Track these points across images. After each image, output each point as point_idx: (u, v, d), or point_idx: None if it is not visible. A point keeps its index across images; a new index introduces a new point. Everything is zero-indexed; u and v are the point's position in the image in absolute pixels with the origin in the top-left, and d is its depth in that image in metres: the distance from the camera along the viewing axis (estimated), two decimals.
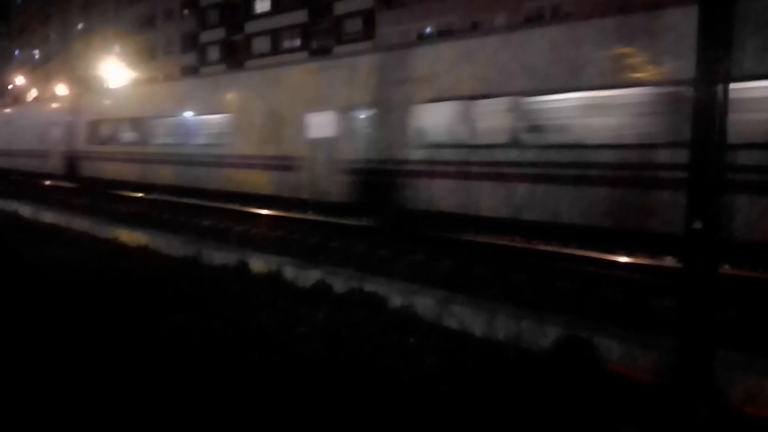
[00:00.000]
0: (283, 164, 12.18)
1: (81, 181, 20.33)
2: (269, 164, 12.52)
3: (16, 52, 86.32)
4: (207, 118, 14.75)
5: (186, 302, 5.83)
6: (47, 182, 24.36)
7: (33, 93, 67.79)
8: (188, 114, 15.32)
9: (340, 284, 6.47)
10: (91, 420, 3.45)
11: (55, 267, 7.52)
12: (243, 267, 7.61)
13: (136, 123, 17.16)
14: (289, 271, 7.07)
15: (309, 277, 6.79)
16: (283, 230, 11.55)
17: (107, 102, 19.66)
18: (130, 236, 9.99)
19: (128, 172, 17.43)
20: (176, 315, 5.40)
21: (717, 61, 3.66)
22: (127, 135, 17.90)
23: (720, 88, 3.65)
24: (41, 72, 71.59)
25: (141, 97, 18.10)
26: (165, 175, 15.89)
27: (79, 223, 11.70)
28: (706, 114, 3.73)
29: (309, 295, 6.35)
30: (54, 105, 23.51)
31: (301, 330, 5.10)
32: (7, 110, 30.23)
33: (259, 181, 12.79)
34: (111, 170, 18.32)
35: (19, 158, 25.24)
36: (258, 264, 7.54)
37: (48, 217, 13.08)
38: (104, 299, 5.98)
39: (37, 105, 27.30)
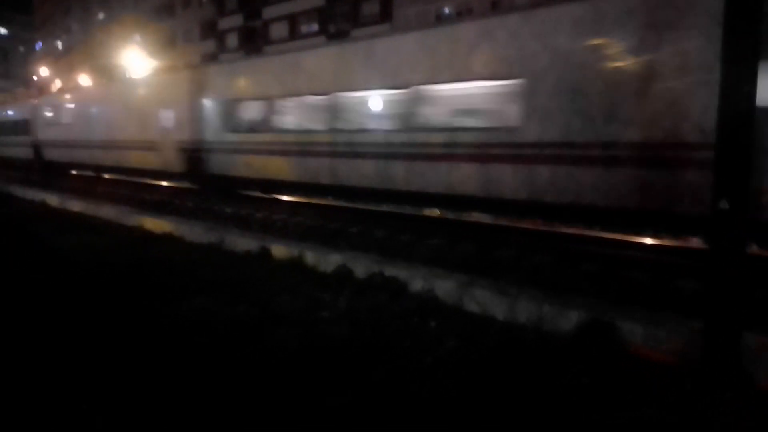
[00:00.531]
0: (665, 156, 7.10)
1: (209, 180, 15.24)
2: (625, 156, 7.43)
3: (39, 43, 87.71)
4: (456, 89, 9.61)
5: (209, 287, 5.93)
6: (156, 182, 19.03)
7: (57, 83, 68.86)
8: (421, 84, 9.95)
9: (361, 269, 6.49)
10: (126, 388, 3.56)
11: (81, 253, 7.71)
12: (265, 252, 7.69)
13: (321, 102, 11.92)
14: (311, 257, 7.12)
15: (330, 262, 6.83)
16: (303, 216, 11.62)
17: (260, 76, 13.90)
18: (154, 224, 10.15)
19: (292, 168, 12.37)
20: (199, 298, 5.51)
21: (744, 40, 3.55)
22: (295, 119, 13.01)
23: (747, 65, 3.54)
24: (64, 62, 72.63)
25: (331, 65, 11.87)
26: (365, 173, 10.85)
27: (106, 212, 11.93)
28: (732, 92, 3.63)
29: (330, 279, 6.39)
30: (160, 83, 17.97)
31: (324, 314, 5.16)
32: (84, 92, 25.01)
33: (612, 184, 7.60)
34: (262, 166, 13.19)
35: (105, 151, 19.97)
36: (279, 249, 7.61)
37: (75, 205, 13.35)
38: (129, 282, 6.12)
39: (132, 84, 20.96)
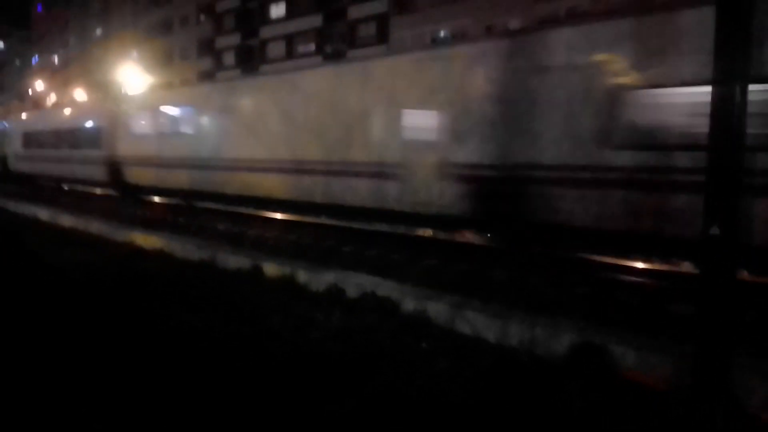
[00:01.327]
0: None
1: (542, 234, 8.71)
2: None
3: (35, 57, 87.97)
4: None
5: (200, 305, 5.88)
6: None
7: (52, 97, 68.97)
8: None
9: (352, 289, 6.46)
10: (122, 397, 3.51)
11: (73, 269, 7.64)
12: (257, 270, 7.64)
13: None
14: (302, 275, 7.08)
15: (322, 281, 6.79)
16: (296, 234, 11.58)
17: None
18: (146, 239, 10.09)
19: None
20: (190, 316, 5.46)
21: (735, 61, 3.60)
22: None
23: (738, 88, 3.59)
24: (60, 77, 72.76)
25: None
26: None
27: (97, 227, 11.86)
28: (723, 115, 3.67)
29: (322, 299, 6.36)
30: (410, 69, 10.44)
31: (314, 334, 5.12)
32: (217, 89, 16.92)
33: None
34: None
35: (263, 174, 13.01)
36: (272, 268, 7.56)
37: (66, 220, 13.26)
38: (120, 300, 6.07)
39: (330, 75, 12.70)
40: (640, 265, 8.18)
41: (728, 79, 3.63)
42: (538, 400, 3.80)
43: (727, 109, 3.65)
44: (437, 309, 5.59)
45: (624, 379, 4.16)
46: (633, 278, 7.73)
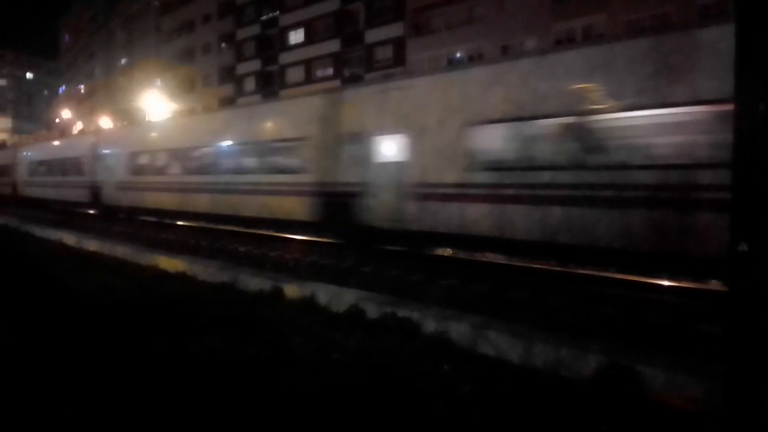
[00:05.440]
0: None
1: None
2: None
3: (62, 87, 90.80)
4: None
5: (221, 326, 5.91)
6: None
7: (78, 125, 70.78)
8: None
9: (373, 309, 6.44)
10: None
11: (97, 293, 7.75)
12: (278, 292, 7.67)
13: None
14: (323, 296, 7.09)
15: (342, 302, 6.78)
16: (316, 255, 11.63)
17: None
18: (169, 263, 10.21)
19: None
20: (211, 338, 5.48)
21: (758, 77, 3.55)
22: None
23: (762, 104, 3.54)
24: (86, 106, 74.79)
25: None
26: None
27: (121, 251, 12.04)
28: (747, 131, 3.62)
29: (343, 320, 6.34)
30: None
31: (335, 356, 5.10)
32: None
33: None
34: None
35: None
36: (292, 289, 7.59)
37: (91, 245, 13.49)
38: (143, 323, 6.12)
39: None
40: (666, 283, 8.04)
41: (754, 89, 3.57)
42: (565, 424, 3.72)
43: (751, 126, 3.59)
44: (459, 329, 5.54)
45: (653, 401, 4.06)
46: (660, 297, 7.59)
